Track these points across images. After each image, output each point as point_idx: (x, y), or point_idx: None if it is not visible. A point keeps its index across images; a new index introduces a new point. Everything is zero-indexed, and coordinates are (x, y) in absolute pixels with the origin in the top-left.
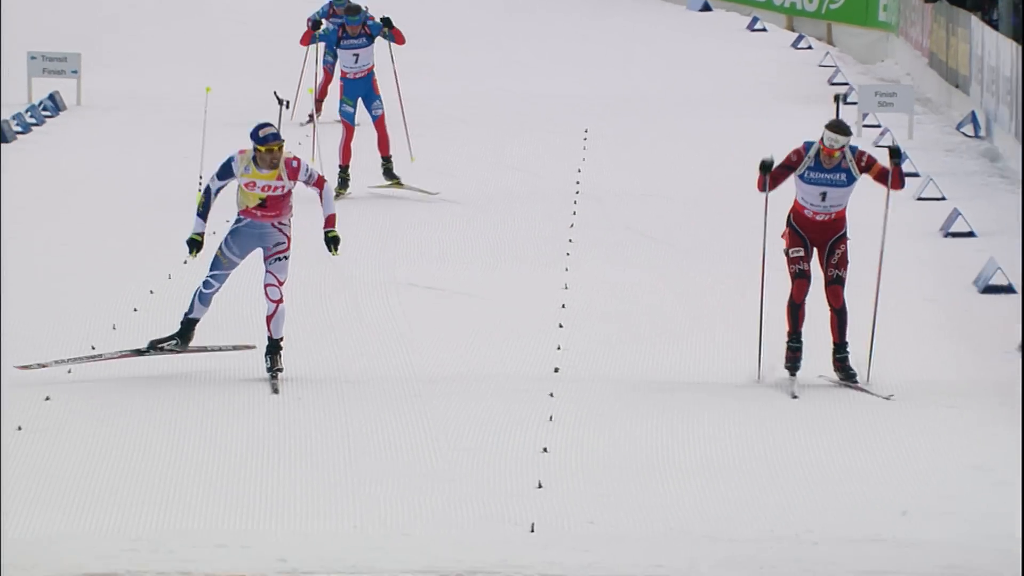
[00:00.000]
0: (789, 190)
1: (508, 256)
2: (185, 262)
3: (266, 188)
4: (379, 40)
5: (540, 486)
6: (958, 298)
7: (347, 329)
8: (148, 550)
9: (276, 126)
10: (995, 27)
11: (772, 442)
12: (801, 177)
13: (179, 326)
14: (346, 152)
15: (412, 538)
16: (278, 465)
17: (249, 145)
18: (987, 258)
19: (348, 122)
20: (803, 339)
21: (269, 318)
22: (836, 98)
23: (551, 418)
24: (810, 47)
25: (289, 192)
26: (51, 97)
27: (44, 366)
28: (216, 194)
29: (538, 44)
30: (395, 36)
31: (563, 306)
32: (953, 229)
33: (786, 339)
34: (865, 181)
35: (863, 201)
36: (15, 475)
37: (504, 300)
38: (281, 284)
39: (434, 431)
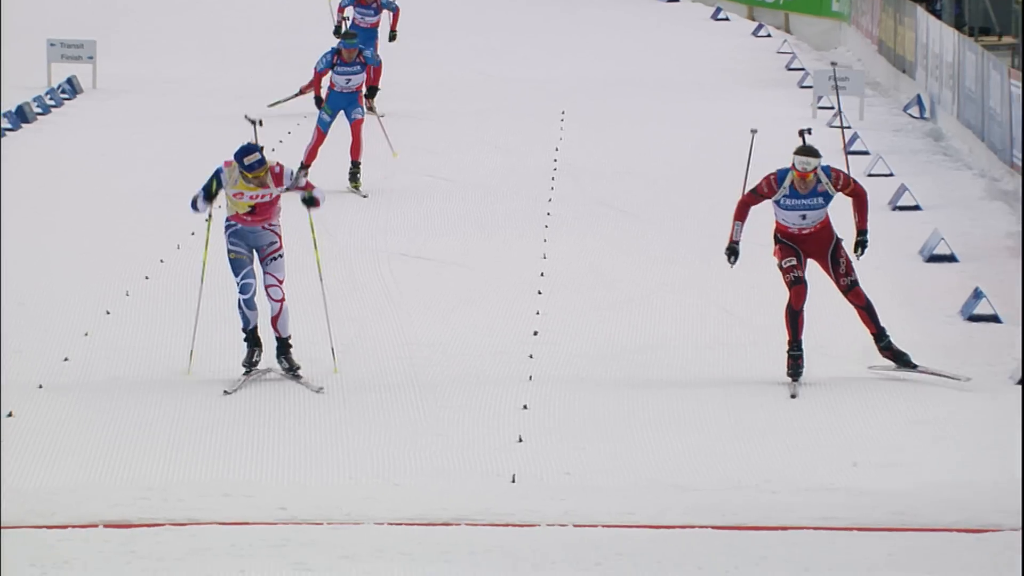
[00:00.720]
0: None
1: (491, 228)
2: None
3: (254, 197)
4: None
5: (520, 440)
6: (904, 267)
7: (342, 295)
8: (159, 499)
9: (256, 146)
10: (939, 17)
11: (734, 400)
12: (778, 204)
13: (245, 344)
14: (311, 154)
15: (402, 488)
16: (279, 422)
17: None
18: (931, 229)
19: (323, 130)
20: (803, 347)
21: (275, 319)
22: (801, 132)
23: (530, 378)
24: (769, 35)
25: (277, 197)
26: (69, 81)
27: None
28: (209, 198)
29: (516, 34)
30: (374, 74)
31: (542, 274)
32: (900, 203)
33: (787, 347)
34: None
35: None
36: (36, 429)
37: (487, 269)
38: (281, 283)
39: (422, 390)
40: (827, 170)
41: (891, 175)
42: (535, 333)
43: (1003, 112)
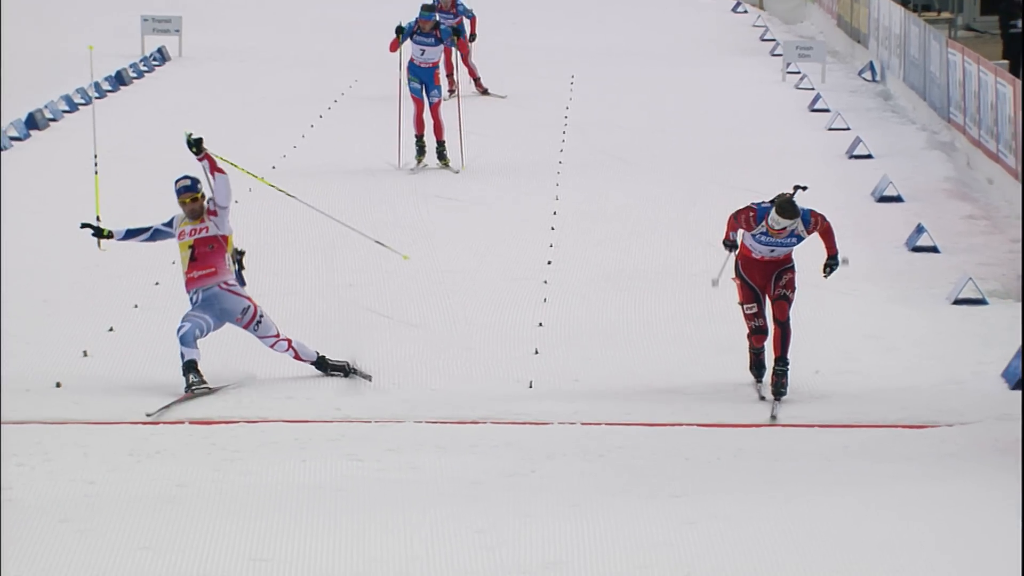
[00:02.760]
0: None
1: (511, 173)
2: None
3: (193, 232)
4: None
5: (536, 352)
6: (859, 206)
7: (387, 230)
8: (234, 401)
9: (194, 179)
10: None
11: (716, 319)
12: (752, 236)
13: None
14: (419, 123)
15: (437, 393)
16: (334, 336)
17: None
18: (881, 174)
19: (417, 97)
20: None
21: (297, 358)
22: (795, 188)
23: (545, 300)
24: (746, 11)
25: (217, 240)
26: (159, 51)
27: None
28: (150, 235)
29: (529, 9)
30: (460, 46)
31: (554, 213)
32: (855, 152)
33: (768, 365)
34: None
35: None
36: (96, 381)
37: (507, 208)
38: (279, 336)
39: (454, 310)
40: (807, 218)
41: (848, 129)
42: (549, 262)
43: (941, 76)
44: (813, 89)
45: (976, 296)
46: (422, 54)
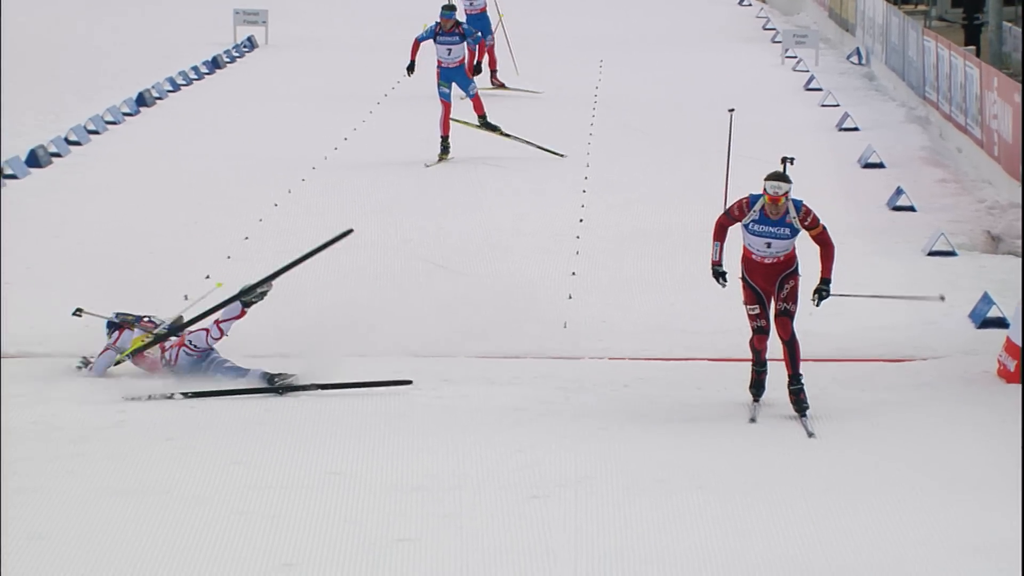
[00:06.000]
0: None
1: (548, 142)
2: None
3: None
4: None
5: (570, 297)
6: (846, 171)
7: (440, 190)
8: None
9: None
10: None
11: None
12: (746, 228)
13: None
14: (445, 125)
15: (484, 332)
16: (397, 289)
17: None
18: (866, 144)
19: (445, 100)
20: (767, 366)
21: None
22: (783, 160)
23: (577, 252)
24: (750, 4)
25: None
26: (248, 39)
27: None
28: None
29: (562, 1)
30: (480, 47)
31: (585, 178)
32: (844, 126)
33: (751, 365)
34: (804, 234)
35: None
36: None
37: (545, 172)
38: (207, 331)
39: (496, 261)
40: (798, 205)
41: (838, 105)
42: (580, 221)
43: (918, 59)
44: (808, 71)
45: (947, 249)
46: (448, 54)
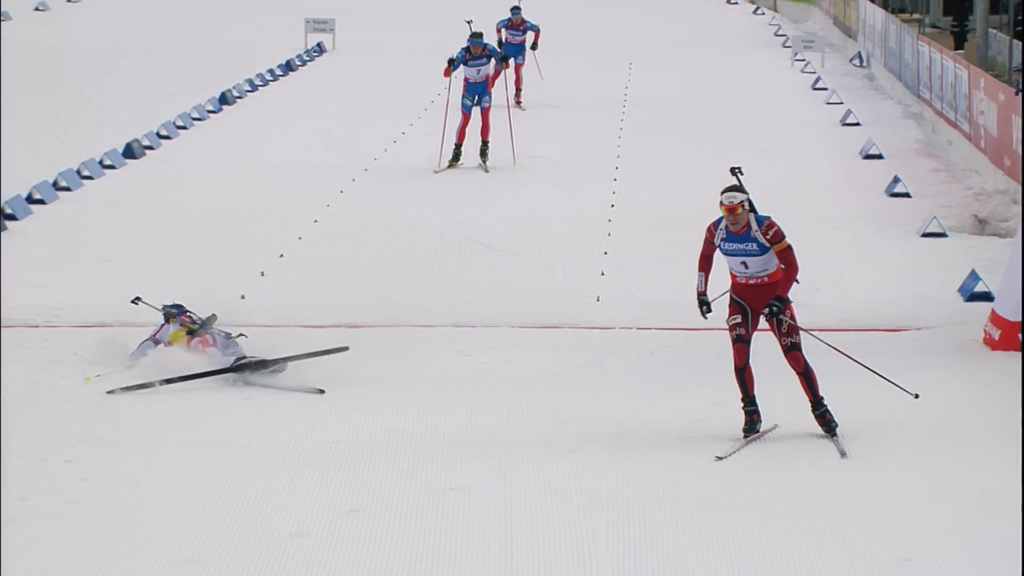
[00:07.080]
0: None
1: (581, 137)
2: None
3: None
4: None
5: (603, 274)
6: (849, 162)
7: (485, 180)
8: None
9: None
10: (873, 1)
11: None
12: (720, 248)
13: None
14: (461, 134)
15: (526, 304)
16: (440, 265)
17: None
18: (867, 138)
19: (466, 112)
20: (756, 402)
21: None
22: (732, 170)
23: (609, 234)
24: (764, 13)
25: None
26: (318, 45)
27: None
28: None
29: (596, 8)
30: (504, 64)
31: (616, 168)
32: (847, 121)
33: (740, 404)
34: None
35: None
36: (271, 297)
37: (579, 163)
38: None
39: (537, 241)
40: (761, 220)
41: (841, 103)
42: (612, 205)
43: (913, 62)
44: (815, 73)
45: (939, 231)
46: (477, 73)
